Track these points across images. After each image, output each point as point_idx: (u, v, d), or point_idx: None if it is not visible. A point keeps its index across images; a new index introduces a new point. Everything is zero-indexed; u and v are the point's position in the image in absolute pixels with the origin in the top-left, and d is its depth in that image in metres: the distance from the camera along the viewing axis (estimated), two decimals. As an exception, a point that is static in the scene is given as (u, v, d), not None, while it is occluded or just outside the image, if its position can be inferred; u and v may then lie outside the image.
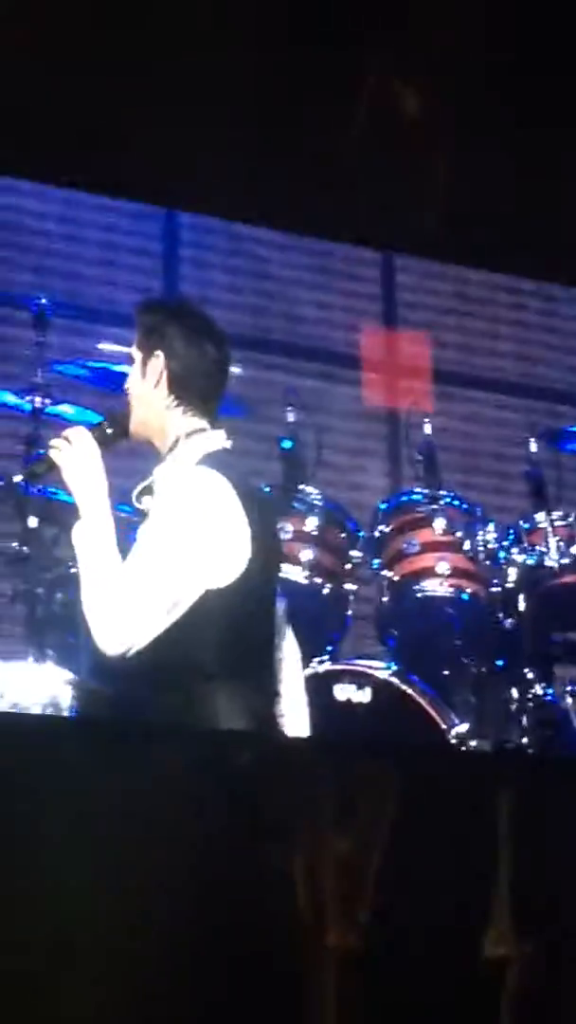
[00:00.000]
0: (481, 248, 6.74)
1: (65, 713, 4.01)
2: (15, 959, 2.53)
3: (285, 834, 2.65)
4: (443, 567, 5.30)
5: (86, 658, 4.41)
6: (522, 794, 2.82)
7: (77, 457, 3.91)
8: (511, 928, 2.70)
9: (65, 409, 5.17)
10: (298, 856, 2.64)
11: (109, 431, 3.99)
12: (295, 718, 4.01)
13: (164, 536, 3.77)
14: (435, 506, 5.41)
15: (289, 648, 4.07)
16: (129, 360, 4.07)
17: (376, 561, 5.42)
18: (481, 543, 5.35)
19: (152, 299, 4.28)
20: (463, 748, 4.95)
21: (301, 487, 5.41)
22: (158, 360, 3.95)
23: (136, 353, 4.02)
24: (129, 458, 4.04)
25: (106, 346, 5.35)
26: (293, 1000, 2.62)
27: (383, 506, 5.54)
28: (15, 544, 4.92)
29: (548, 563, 5.31)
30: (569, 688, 5.31)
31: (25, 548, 4.89)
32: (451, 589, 5.28)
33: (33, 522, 4.89)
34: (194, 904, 2.61)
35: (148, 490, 3.97)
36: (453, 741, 4.96)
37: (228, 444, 3.97)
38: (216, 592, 3.76)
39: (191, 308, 4.16)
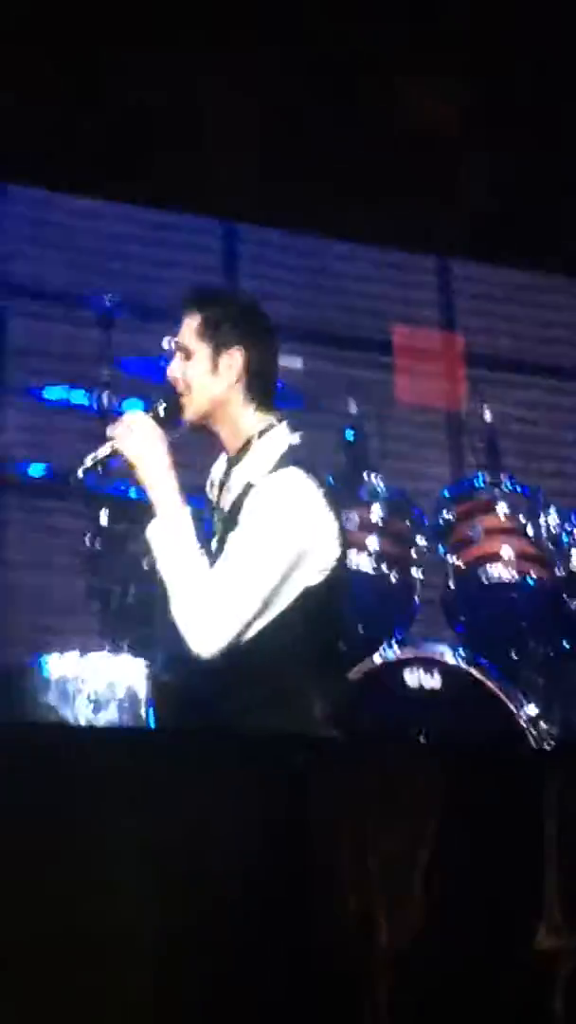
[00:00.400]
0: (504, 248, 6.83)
1: (142, 705, 4.04)
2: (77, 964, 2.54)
3: (336, 833, 2.65)
4: (508, 552, 5.32)
5: (161, 651, 4.48)
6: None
7: (141, 442, 3.83)
8: (564, 920, 2.69)
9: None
10: (348, 856, 2.64)
11: (164, 415, 3.90)
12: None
13: (265, 545, 3.72)
14: (497, 492, 5.44)
15: None
16: (180, 350, 3.95)
17: (442, 548, 5.47)
18: (544, 527, 5.38)
19: (211, 290, 4.10)
20: (521, 735, 4.98)
21: (365, 477, 5.47)
22: (235, 357, 3.88)
23: (199, 346, 3.90)
24: (190, 452, 4.02)
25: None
26: (346, 1001, 2.63)
27: (446, 493, 5.57)
28: (87, 538, 4.99)
29: (611, 545, 5.35)
30: None
31: (98, 545, 4.96)
32: (517, 573, 5.30)
33: (104, 518, 4.96)
34: (242, 906, 2.61)
35: (225, 488, 3.94)
36: (523, 724, 5.01)
37: (296, 439, 3.92)
38: (310, 589, 3.76)
39: (254, 302, 4.05)
